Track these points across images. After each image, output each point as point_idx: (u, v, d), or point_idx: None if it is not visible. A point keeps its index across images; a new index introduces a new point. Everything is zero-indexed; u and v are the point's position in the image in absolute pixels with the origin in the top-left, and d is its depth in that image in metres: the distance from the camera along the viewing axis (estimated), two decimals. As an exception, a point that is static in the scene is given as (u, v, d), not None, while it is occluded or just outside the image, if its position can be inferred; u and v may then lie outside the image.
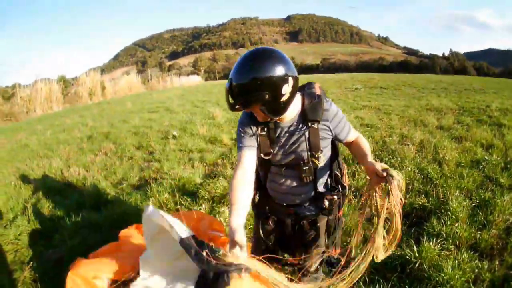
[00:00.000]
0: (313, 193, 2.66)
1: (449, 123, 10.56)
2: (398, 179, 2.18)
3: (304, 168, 2.50)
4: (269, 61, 2.11)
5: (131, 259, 3.27)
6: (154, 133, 11.17)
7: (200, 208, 5.25)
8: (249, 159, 2.46)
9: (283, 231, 2.84)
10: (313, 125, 2.41)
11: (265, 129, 2.47)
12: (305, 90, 2.63)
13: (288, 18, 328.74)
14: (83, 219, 5.23)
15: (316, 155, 2.45)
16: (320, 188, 2.67)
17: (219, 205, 5.35)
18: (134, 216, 5.06)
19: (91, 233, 4.79)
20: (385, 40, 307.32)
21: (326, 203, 2.64)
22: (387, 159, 6.95)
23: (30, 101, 22.63)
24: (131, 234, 3.88)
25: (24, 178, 7.48)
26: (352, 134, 2.56)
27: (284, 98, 2.19)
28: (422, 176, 6.20)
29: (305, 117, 2.42)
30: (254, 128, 2.48)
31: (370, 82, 27.43)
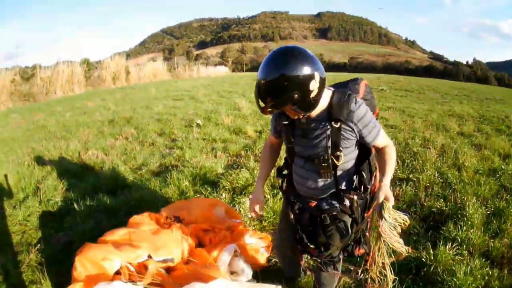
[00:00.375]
0: (334, 189, 2.67)
1: (470, 130, 10.61)
2: (388, 223, 2.38)
3: (323, 164, 2.55)
4: (296, 59, 2.16)
5: (142, 244, 3.32)
6: (178, 120, 11.15)
7: (220, 198, 5.24)
8: (273, 142, 3.06)
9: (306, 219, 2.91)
10: (335, 124, 2.43)
11: (289, 119, 2.57)
12: (349, 85, 2.78)
13: (318, 15, 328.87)
14: (98, 203, 5.18)
15: (336, 154, 2.49)
16: (343, 185, 2.67)
17: (240, 196, 5.32)
18: (151, 203, 5.06)
19: (105, 218, 4.75)
20: (412, 44, 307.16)
21: (347, 201, 2.63)
22: (409, 161, 7.00)
23: (51, 82, 22.67)
24: (142, 221, 3.97)
25: (39, 159, 7.46)
26: (380, 140, 2.55)
27: (313, 95, 2.24)
28: (441, 180, 6.22)
29: (330, 114, 2.45)
30: (280, 118, 2.65)
31: (395, 84, 27.71)
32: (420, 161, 7.00)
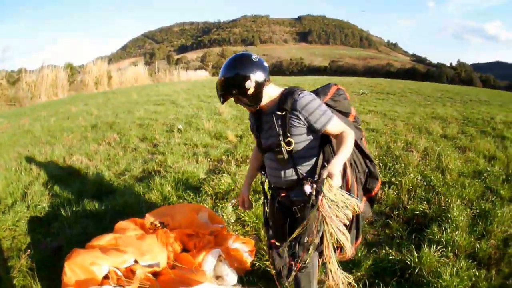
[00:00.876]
0: (295, 177, 2.88)
1: (453, 133, 10.60)
2: (330, 198, 2.40)
3: (277, 150, 2.81)
4: (236, 65, 2.75)
5: (128, 249, 3.40)
6: (159, 125, 11.17)
7: (203, 203, 5.28)
8: (257, 142, 3.12)
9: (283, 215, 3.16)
10: (281, 113, 2.74)
11: (254, 117, 3.01)
12: (320, 88, 3.14)
13: (299, 19, 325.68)
14: (84, 208, 5.22)
15: (286, 140, 2.74)
16: (304, 174, 2.87)
17: (222, 201, 5.40)
18: (135, 208, 5.12)
19: (91, 223, 4.78)
20: (394, 46, 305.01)
21: (307, 188, 2.72)
22: (391, 164, 6.97)
23: (35, 86, 22.41)
24: (128, 226, 4.03)
25: (26, 164, 7.45)
26: (332, 127, 2.73)
27: (250, 92, 2.70)
28: (424, 183, 6.26)
29: (279, 106, 2.77)
30: (254, 115, 3.02)
31: (376, 87, 27.37)
32: (403, 165, 7.02)
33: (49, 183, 6.09)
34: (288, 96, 2.72)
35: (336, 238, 2.47)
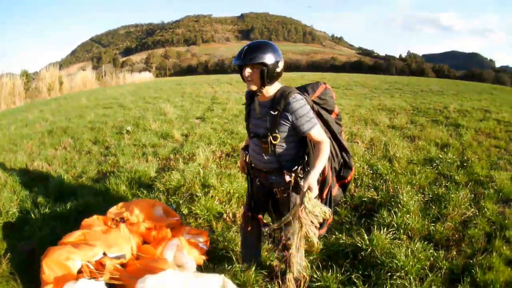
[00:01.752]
0: (276, 164, 3.11)
1: (402, 123, 10.83)
2: (308, 209, 2.74)
3: (263, 140, 3.01)
4: (276, 49, 2.87)
5: (97, 243, 3.58)
6: (109, 128, 11.14)
7: (157, 199, 5.43)
8: (245, 124, 3.33)
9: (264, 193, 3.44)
10: (274, 112, 2.92)
11: (250, 102, 3.18)
12: (309, 85, 3.39)
13: (242, 17, 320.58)
14: (50, 210, 5.27)
15: (273, 135, 2.95)
16: (285, 163, 3.10)
17: (174, 196, 5.58)
18: (96, 207, 5.22)
19: (58, 224, 4.84)
20: (339, 40, 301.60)
21: (287, 177, 3.05)
22: None
23: (-5, 95, 21.52)
24: (93, 222, 4.17)
25: (-8, 172, 7.34)
26: (314, 133, 2.94)
27: (277, 70, 2.86)
28: (371, 172, 6.43)
29: (273, 103, 2.94)
30: (247, 101, 3.23)
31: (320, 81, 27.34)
32: None
33: (16, 189, 6.10)
34: (282, 97, 2.89)
35: (308, 236, 2.87)
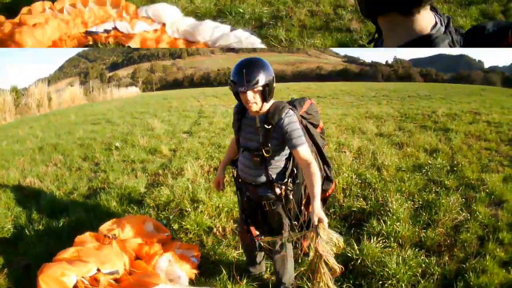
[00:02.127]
0: (265, 178, 3.14)
1: (390, 130, 10.74)
2: (324, 239, 2.71)
3: (255, 153, 3.06)
4: (268, 67, 2.92)
5: (90, 259, 3.63)
6: (98, 144, 11.06)
7: (147, 215, 5.46)
8: (235, 139, 3.41)
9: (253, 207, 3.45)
10: (267, 126, 2.97)
11: (240, 116, 3.20)
12: (296, 101, 3.39)
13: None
14: (44, 227, 5.30)
15: (265, 149, 2.99)
16: (274, 176, 3.14)
17: (163, 212, 5.60)
18: (88, 223, 5.25)
19: (52, 240, 4.87)
20: (324, 49, 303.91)
21: (277, 190, 3.11)
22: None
23: (-15, 112, 21.16)
24: (86, 239, 4.19)
25: (-15, 189, 7.33)
26: (302, 151, 2.94)
27: (274, 85, 2.93)
28: (360, 181, 6.30)
29: (266, 118, 2.98)
30: (237, 115, 3.24)
31: (306, 91, 27.23)
32: (336, 165, 6.92)
33: (10, 206, 6.13)
34: (276, 112, 2.94)
35: (330, 263, 2.76)
